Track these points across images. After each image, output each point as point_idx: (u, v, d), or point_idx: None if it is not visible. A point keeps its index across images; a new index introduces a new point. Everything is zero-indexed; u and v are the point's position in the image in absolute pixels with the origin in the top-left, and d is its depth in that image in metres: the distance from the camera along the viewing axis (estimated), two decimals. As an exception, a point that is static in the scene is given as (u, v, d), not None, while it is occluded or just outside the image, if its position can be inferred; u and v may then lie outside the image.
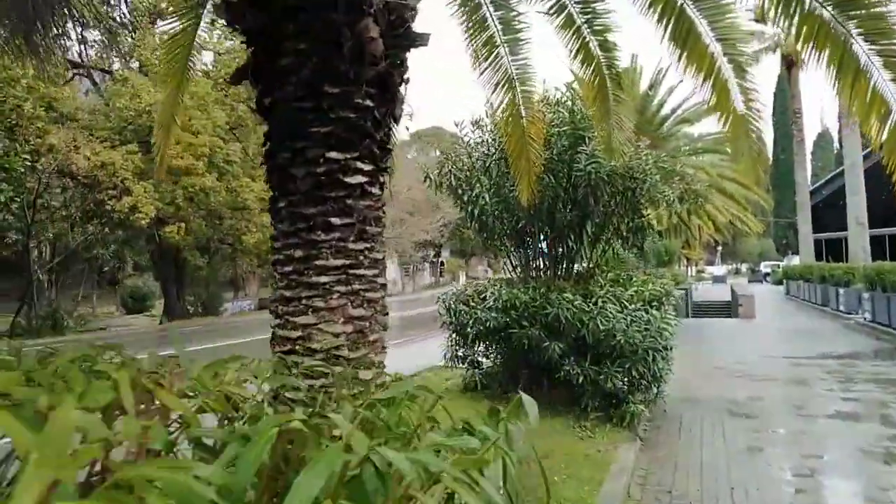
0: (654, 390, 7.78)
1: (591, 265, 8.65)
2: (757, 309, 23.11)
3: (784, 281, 37.30)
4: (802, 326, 19.75)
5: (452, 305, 8.20)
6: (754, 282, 54.38)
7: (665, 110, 20.05)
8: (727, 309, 30.78)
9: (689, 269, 58.44)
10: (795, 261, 45.55)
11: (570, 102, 8.18)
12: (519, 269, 8.71)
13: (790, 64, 35.09)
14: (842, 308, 22.20)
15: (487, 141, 8.31)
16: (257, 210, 24.32)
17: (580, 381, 7.26)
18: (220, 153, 22.80)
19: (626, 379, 7.34)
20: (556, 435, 6.71)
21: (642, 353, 7.16)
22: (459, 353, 8.26)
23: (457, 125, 8.26)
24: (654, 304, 7.85)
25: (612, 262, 11.30)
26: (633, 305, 7.49)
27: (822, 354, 13.41)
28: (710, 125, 21.58)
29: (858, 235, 24.11)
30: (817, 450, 6.67)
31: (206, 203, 23.07)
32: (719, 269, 69.88)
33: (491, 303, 7.75)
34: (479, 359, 8.44)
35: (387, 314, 3.91)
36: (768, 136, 67.31)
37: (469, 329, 7.88)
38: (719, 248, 71.46)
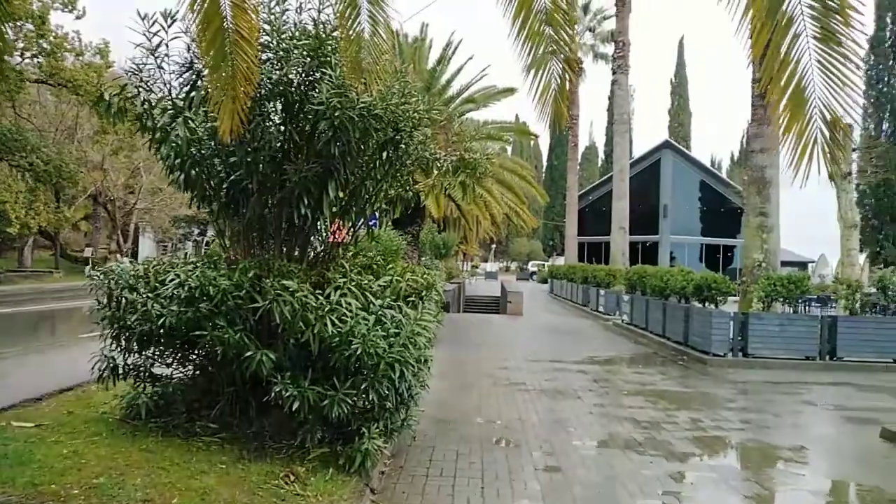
0: (401, 416, 5.75)
1: (333, 243, 6.36)
2: (524, 306, 22.91)
3: (549, 280, 38.92)
4: (566, 326, 19.63)
5: (115, 291, 5.40)
6: (522, 279, 57.13)
7: (453, 89, 18.81)
8: (497, 305, 30.89)
9: (465, 264, 59.78)
10: (560, 261, 48.37)
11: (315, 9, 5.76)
12: (231, 243, 6.13)
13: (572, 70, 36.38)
14: (601, 308, 22.79)
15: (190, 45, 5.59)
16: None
17: (295, 406, 4.95)
18: None
19: (362, 403, 5.20)
20: (245, 493, 4.32)
21: (386, 368, 5.04)
22: (121, 363, 5.48)
23: (142, 18, 5.41)
24: (412, 299, 5.82)
25: (376, 244, 9.25)
26: (381, 301, 5.36)
27: (588, 359, 12.71)
28: (495, 112, 20.60)
29: (620, 239, 25.14)
30: (597, 499, 5.09)
31: None
32: (492, 266, 73.07)
33: (171, 290, 5.11)
34: (157, 370, 5.75)
35: None
36: (544, 141, 71.58)
37: (135, 328, 5.17)
38: (493, 245, 74.60)
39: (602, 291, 22.80)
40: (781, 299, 12.42)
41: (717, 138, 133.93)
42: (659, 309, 15.61)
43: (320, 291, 5.24)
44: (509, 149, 42.95)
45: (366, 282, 5.66)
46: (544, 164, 74.97)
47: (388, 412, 5.50)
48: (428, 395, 6.37)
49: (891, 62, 33.60)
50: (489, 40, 22.41)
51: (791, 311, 12.69)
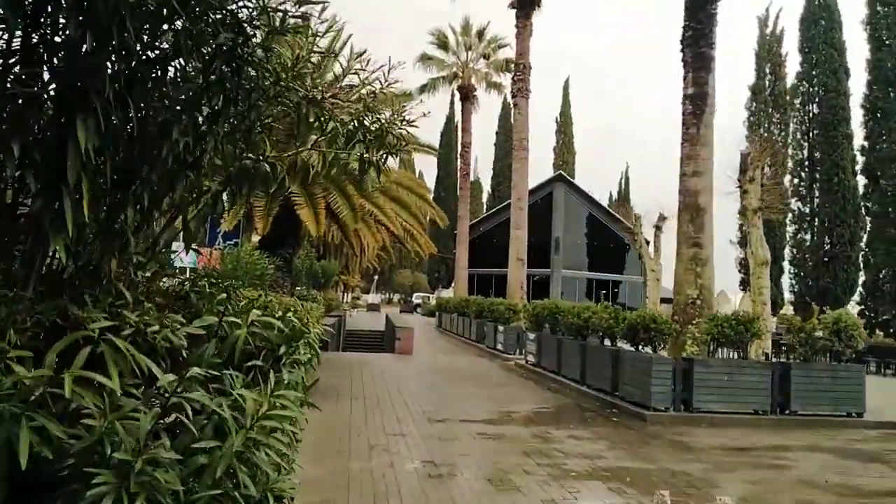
0: None
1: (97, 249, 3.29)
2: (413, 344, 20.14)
3: (437, 313, 36.44)
4: (465, 368, 17.03)
5: None
6: (406, 312, 54.43)
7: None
8: (381, 341, 27.91)
9: (346, 295, 56.34)
10: (446, 294, 46.18)
11: None
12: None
13: (465, 97, 34.77)
14: (500, 347, 20.45)
15: None
16: None
17: None
18: None
19: None
20: None
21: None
22: None
23: None
24: (258, 364, 2.92)
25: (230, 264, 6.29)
26: (192, 372, 2.43)
27: (504, 416, 10.13)
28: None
29: (518, 271, 23.13)
30: None
31: None
32: (374, 298, 69.91)
33: None
34: None
35: None
36: (431, 174, 69.96)
37: None
38: (376, 276, 71.57)
39: (500, 328, 20.49)
40: (728, 343, 10.51)
41: (599, 177, 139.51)
42: (576, 351, 13.38)
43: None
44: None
45: (161, 329, 2.70)
46: (430, 195, 73.32)
47: None
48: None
49: (770, 109, 34.64)
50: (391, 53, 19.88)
51: (737, 357, 10.82)
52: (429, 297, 61.81)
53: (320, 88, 3.58)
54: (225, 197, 4.00)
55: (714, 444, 8.71)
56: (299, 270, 23.64)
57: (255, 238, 16.56)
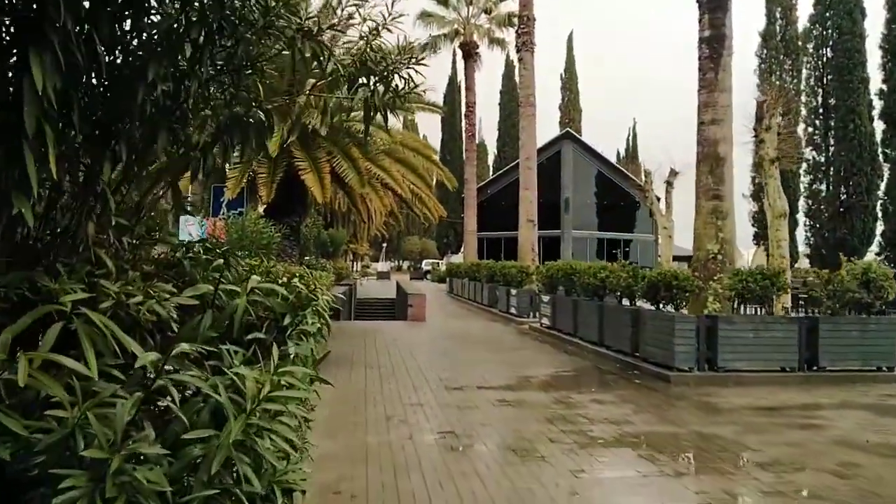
0: None
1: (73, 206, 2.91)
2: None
3: (448, 279, 36.16)
4: (479, 333, 16.75)
5: None
6: (416, 279, 54.24)
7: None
8: (393, 309, 27.72)
9: (355, 264, 56.23)
10: (456, 259, 45.88)
11: None
12: None
13: (467, 54, 33.90)
14: (513, 310, 20.15)
15: None
16: None
17: None
18: None
19: None
20: None
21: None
22: None
23: None
24: (262, 337, 2.56)
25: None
26: (181, 347, 2.06)
27: (522, 380, 9.84)
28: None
29: (529, 233, 22.69)
30: None
31: None
32: (384, 266, 69.71)
33: None
34: None
35: None
36: (434, 138, 68.99)
37: None
38: (384, 244, 71.33)
39: (513, 291, 20.16)
40: (753, 299, 10.11)
41: (606, 135, 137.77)
42: (594, 312, 13.03)
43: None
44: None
45: (145, 300, 2.34)
46: (437, 157, 72.42)
47: None
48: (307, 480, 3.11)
49: (781, 56, 33.58)
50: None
51: (764, 313, 10.43)
52: (438, 264, 61.56)
53: (316, 19, 3.13)
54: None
55: (742, 404, 8.38)
56: (307, 239, 23.31)
57: (261, 207, 16.18)
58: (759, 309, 10.43)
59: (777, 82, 34.33)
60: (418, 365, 11.10)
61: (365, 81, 3.73)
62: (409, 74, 3.73)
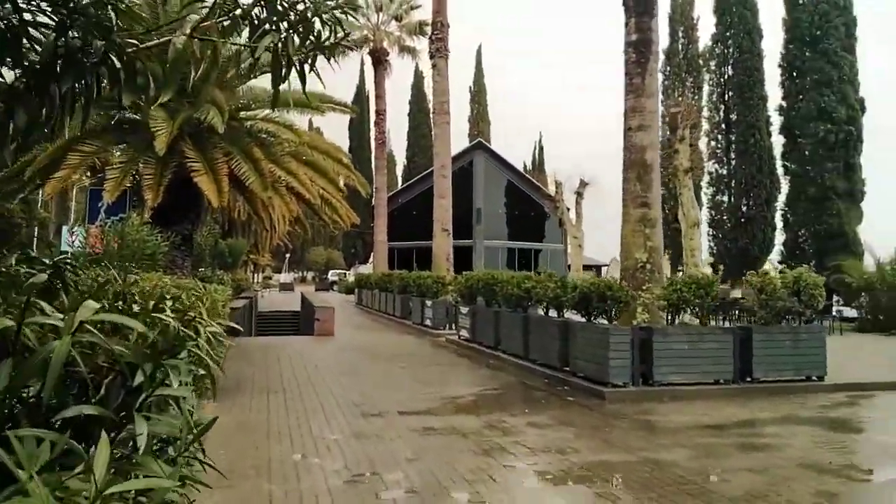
0: None
1: None
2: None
3: (357, 290, 34.79)
4: (394, 347, 15.68)
5: None
6: (322, 290, 52.32)
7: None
8: (298, 322, 26.15)
9: (256, 275, 53.61)
10: (364, 270, 44.50)
11: None
12: None
13: (377, 61, 32.90)
14: (427, 322, 19.22)
15: None
16: None
17: None
18: None
19: None
20: None
21: None
22: None
23: None
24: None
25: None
26: None
27: (447, 401, 8.90)
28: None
29: (444, 242, 21.88)
30: None
31: None
32: (287, 277, 67.10)
33: None
34: None
35: None
36: (342, 143, 67.29)
37: None
38: (287, 255, 68.69)
39: (429, 302, 19.24)
40: (690, 309, 9.67)
41: (512, 147, 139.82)
42: (518, 324, 12.31)
43: None
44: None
45: None
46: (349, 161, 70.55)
47: None
48: None
49: (683, 73, 34.72)
50: None
51: (699, 323, 10.02)
52: (345, 274, 59.86)
53: None
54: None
55: (686, 422, 7.80)
56: (202, 249, 21.42)
57: (147, 213, 14.41)
58: (671, 320, 10.01)
59: (680, 98, 35.53)
60: (329, 387, 9.92)
61: (274, 26, 2.64)
62: (335, 17, 2.68)
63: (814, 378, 9.99)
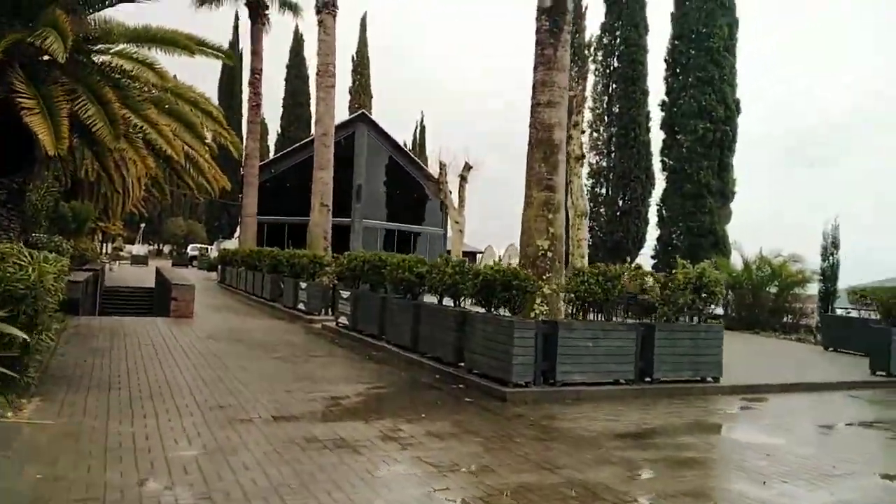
0: None
1: None
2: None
3: (220, 267, 32.09)
4: (264, 335, 14.03)
5: None
6: (180, 265, 48.18)
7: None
8: (151, 301, 23.49)
9: (106, 245, 48.52)
10: (229, 245, 41.36)
11: None
12: None
13: (255, 15, 30.26)
14: (301, 307, 17.64)
15: None
16: None
17: None
18: None
19: None
20: None
21: None
22: None
23: None
24: None
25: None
26: None
27: (332, 405, 7.64)
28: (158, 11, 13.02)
29: (322, 219, 20.25)
30: None
31: None
32: (140, 249, 61.49)
33: None
34: None
35: None
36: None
37: None
38: (143, 224, 63.00)
39: (303, 284, 17.64)
40: (593, 302, 9.01)
41: (393, 126, 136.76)
42: (407, 313, 11.20)
43: None
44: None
45: None
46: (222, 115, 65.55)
47: None
48: None
49: (570, 61, 34.87)
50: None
51: (602, 318, 9.41)
52: (207, 249, 55.76)
53: None
54: None
55: (600, 430, 7.08)
56: (38, 210, 18.37)
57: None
58: (597, 314, 9.41)
59: (574, 83, 35.71)
60: (186, 383, 8.31)
61: None
62: None
63: (709, 379, 9.75)
